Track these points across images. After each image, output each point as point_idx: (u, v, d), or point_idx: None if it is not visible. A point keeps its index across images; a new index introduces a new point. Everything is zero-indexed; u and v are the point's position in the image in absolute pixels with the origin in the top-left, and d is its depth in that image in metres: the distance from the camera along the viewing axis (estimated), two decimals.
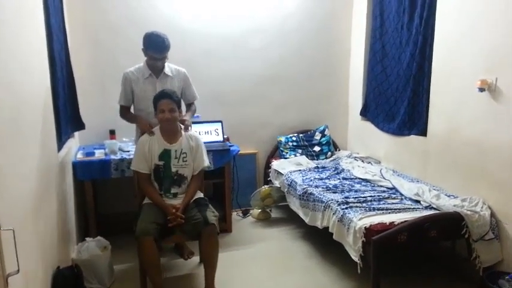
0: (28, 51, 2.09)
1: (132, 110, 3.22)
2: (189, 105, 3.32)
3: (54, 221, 2.42)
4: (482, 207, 2.75)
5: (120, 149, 3.54)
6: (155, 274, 2.61)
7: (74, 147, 3.53)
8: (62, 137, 2.83)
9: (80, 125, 3.34)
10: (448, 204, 2.82)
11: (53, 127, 2.59)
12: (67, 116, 3.01)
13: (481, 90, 2.77)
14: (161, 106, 2.74)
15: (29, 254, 1.80)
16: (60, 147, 2.80)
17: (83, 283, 2.53)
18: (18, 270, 1.25)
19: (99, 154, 3.40)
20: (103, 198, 3.83)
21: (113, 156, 3.36)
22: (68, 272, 2.38)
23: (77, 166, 3.23)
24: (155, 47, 2.95)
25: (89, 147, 3.59)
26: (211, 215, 2.66)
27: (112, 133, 3.71)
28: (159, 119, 2.78)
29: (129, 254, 3.08)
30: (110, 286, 2.86)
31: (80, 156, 3.36)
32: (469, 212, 2.65)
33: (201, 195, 2.92)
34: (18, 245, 1.49)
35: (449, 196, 3.00)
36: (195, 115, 3.82)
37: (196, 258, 3.22)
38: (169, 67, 3.15)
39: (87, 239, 2.91)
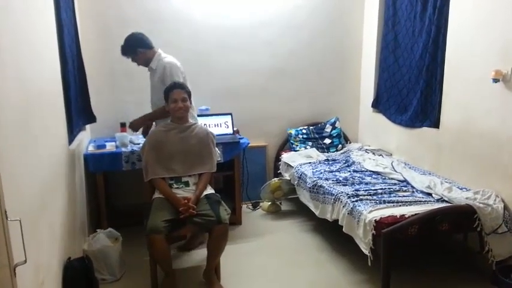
0: (38, 45, 2.10)
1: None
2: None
3: (65, 213, 2.45)
4: (495, 200, 2.70)
5: (131, 142, 3.56)
6: (166, 265, 2.66)
7: (86, 140, 3.56)
8: (73, 130, 2.86)
9: (91, 118, 3.38)
10: (460, 197, 2.78)
11: (63, 120, 2.61)
12: (78, 109, 3.04)
13: (495, 81, 2.71)
14: (173, 96, 2.80)
15: (40, 245, 1.82)
16: (71, 140, 2.84)
17: (93, 274, 2.56)
18: (25, 261, 1.26)
19: (110, 147, 3.43)
20: (114, 190, 3.86)
21: (123, 149, 3.39)
22: (79, 263, 2.41)
23: (88, 158, 3.27)
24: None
25: (100, 140, 3.63)
26: (225, 213, 2.67)
27: (123, 126, 3.72)
28: (171, 109, 2.82)
29: (140, 245, 3.10)
30: (121, 277, 2.90)
31: (91, 148, 3.40)
32: (481, 205, 2.61)
33: (212, 191, 2.93)
34: (29, 236, 1.51)
35: (461, 189, 2.96)
36: (206, 107, 3.84)
37: (205, 251, 3.23)
38: (156, 60, 3.19)
39: (98, 230, 2.95)
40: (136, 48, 3.16)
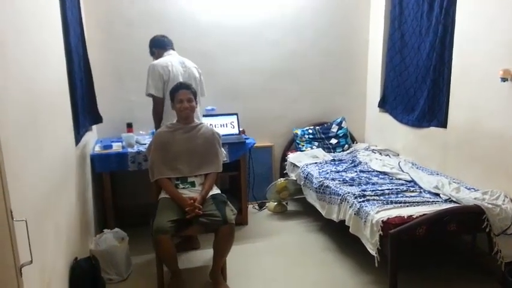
0: (44, 45, 2.11)
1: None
2: None
3: (72, 213, 2.46)
4: (504, 201, 2.67)
5: (137, 142, 3.57)
6: (172, 265, 2.66)
7: (92, 140, 3.58)
8: (79, 130, 2.87)
9: (97, 119, 3.39)
10: (468, 197, 2.75)
11: (70, 121, 2.62)
12: (85, 109, 3.05)
13: (504, 80, 2.68)
14: (179, 96, 2.81)
15: (46, 245, 1.83)
16: (78, 141, 2.84)
17: (100, 274, 2.56)
18: (31, 261, 1.26)
19: (116, 147, 3.44)
20: (121, 190, 3.87)
21: (130, 149, 3.39)
22: (86, 263, 2.41)
23: (94, 159, 3.28)
24: None
25: (107, 140, 3.64)
26: (231, 213, 2.67)
27: (129, 126, 3.74)
28: (177, 109, 2.83)
29: (147, 245, 3.11)
30: (127, 277, 2.90)
31: (97, 149, 3.41)
32: (490, 206, 2.58)
33: (218, 191, 2.93)
34: (35, 236, 1.52)
35: (469, 189, 2.93)
36: (212, 107, 3.84)
37: (211, 251, 3.23)
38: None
39: (105, 230, 2.96)
40: (152, 47, 3.38)
